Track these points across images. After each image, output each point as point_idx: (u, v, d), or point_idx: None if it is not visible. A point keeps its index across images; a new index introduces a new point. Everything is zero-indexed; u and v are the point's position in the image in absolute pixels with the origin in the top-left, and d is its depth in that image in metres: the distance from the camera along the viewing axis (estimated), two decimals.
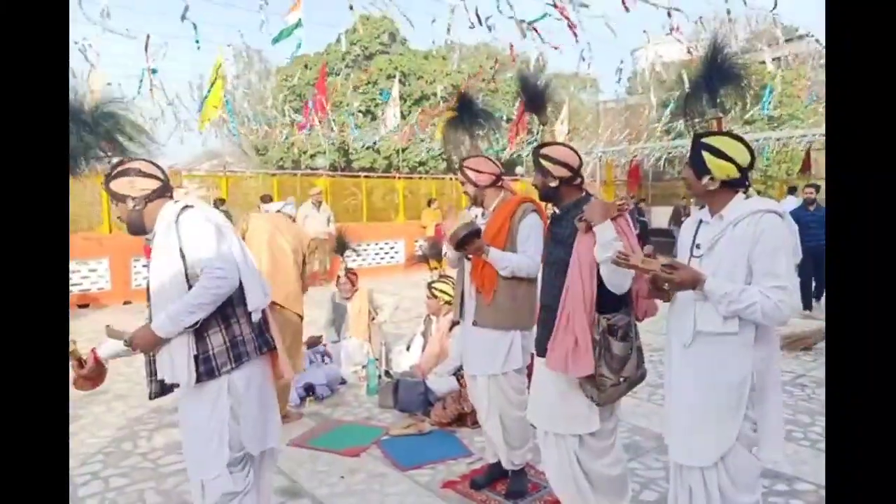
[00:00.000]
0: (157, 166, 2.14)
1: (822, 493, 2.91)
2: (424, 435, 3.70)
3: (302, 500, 2.96)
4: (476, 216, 3.01)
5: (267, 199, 9.98)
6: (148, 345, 1.98)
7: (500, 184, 2.94)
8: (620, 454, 2.48)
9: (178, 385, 2.03)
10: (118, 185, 2.06)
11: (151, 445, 3.64)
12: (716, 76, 2.17)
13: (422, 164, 22.29)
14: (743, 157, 1.97)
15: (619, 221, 2.23)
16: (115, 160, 2.16)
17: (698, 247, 2.04)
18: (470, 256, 2.86)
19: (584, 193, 2.43)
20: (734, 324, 1.89)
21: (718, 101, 2.15)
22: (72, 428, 3.92)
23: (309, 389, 4.41)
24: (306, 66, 21.95)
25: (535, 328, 2.56)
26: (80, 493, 3.05)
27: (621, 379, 2.19)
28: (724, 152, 1.96)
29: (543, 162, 2.38)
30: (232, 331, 2.03)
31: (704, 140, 2.02)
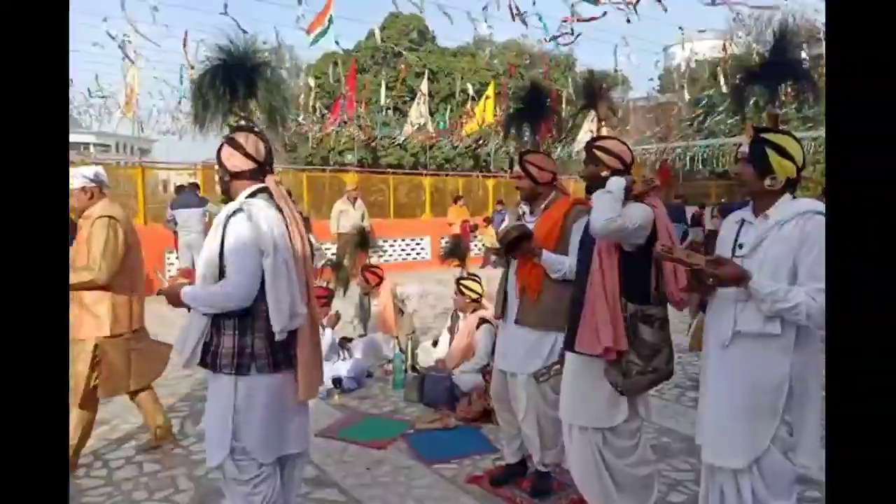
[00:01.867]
0: (267, 147, 2.14)
1: None
2: (450, 430, 3.71)
3: (329, 489, 3.00)
4: (524, 212, 2.99)
5: (288, 194, 9.97)
6: (170, 299, 2.06)
7: (554, 182, 2.91)
8: (647, 455, 2.45)
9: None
10: (224, 151, 2.10)
11: (184, 433, 3.73)
12: (779, 69, 2.07)
13: (448, 161, 22.31)
14: (800, 158, 1.93)
15: (658, 211, 2.24)
16: (242, 123, 2.15)
17: (741, 246, 2.00)
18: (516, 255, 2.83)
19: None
20: (776, 325, 1.85)
21: (778, 95, 2.06)
22: (103, 415, 4.03)
23: (336, 382, 4.46)
24: (335, 63, 22.17)
25: None
26: (115, 476, 3.15)
27: (650, 369, 2.18)
28: (789, 151, 1.91)
29: (598, 153, 2.39)
30: (243, 341, 2.00)
31: (767, 136, 1.95)
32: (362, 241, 6.10)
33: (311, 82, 16.61)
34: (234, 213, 2.01)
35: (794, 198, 1.96)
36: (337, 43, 8.55)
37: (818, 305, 1.77)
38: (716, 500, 2.03)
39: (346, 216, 10.05)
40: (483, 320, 4.30)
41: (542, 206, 2.87)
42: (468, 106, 16.73)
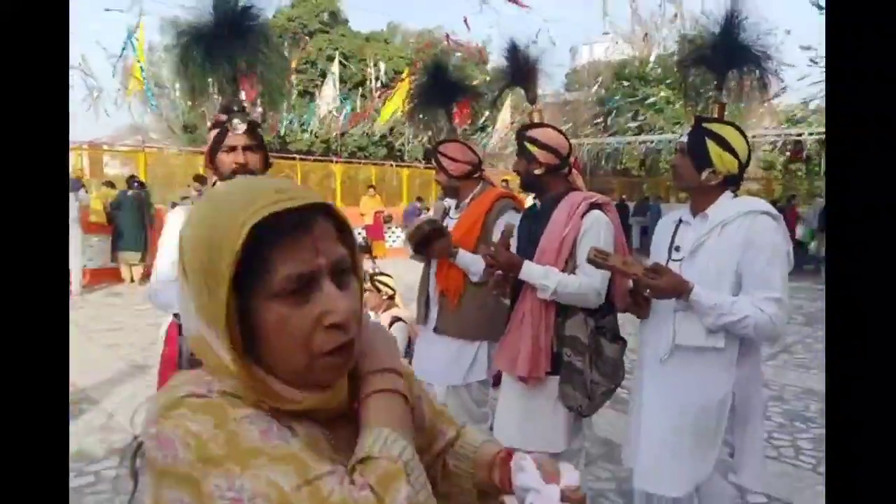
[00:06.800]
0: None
1: None
2: None
3: None
4: (449, 207, 2.67)
5: (201, 179, 8.97)
6: None
7: (477, 174, 2.58)
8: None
9: None
10: None
11: None
12: (728, 53, 1.88)
13: (361, 149, 21.71)
14: (744, 153, 1.77)
15: (614, 220, 2.04)
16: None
17: (677, 249, 1.83)
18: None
19: (568, 186, 2.17)
20: (720, 338, 1.69)
21: (725, 83, 1.87)
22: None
23: None
24: None
25: None
26: None
27: (613, 386, 1.98)
28: (731, 144, 1.74)
29: (529, 146, 2.10)
30: None
31: (709, 126, 1.78)
32: None
33: None
34: None
35: (736, 196, 1.82)
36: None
37: (766, 317, 1.63)
38: None
39: None
40: (396, 318, 3.99)
41: (467, 200, 2.58)
42: (379, 93, 16.29)
